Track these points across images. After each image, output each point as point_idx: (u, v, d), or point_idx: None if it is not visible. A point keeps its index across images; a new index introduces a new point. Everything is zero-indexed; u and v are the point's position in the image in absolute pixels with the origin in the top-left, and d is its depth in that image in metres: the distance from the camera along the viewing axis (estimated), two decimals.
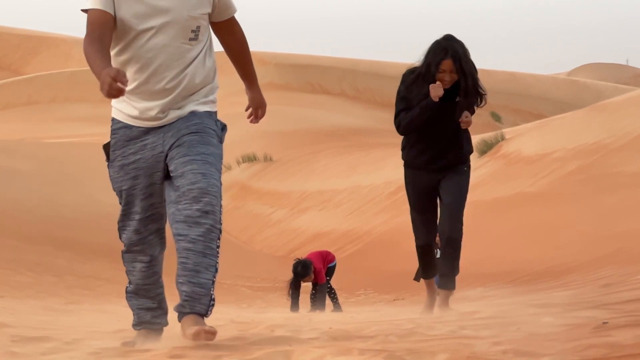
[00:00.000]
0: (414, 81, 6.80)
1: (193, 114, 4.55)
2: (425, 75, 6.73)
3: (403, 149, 7.12)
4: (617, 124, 20.33)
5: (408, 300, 12.23)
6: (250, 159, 33.66)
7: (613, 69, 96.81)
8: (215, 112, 4.68)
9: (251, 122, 4.96)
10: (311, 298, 11.03)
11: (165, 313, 4.83)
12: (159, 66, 4.46)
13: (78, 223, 20.91)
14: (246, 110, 4.98)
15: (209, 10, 4.57)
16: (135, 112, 4.53)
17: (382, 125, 42.58)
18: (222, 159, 4.58)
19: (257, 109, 4.94)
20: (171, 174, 4.50)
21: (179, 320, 4.42)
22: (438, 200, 7.08)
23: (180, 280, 4.40)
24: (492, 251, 15.11)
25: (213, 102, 4.65)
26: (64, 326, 5.97)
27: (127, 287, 4.78)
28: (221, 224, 4.44)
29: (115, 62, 4.50)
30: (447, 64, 6.70)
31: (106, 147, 4.66)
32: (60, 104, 57.74)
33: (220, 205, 4.44)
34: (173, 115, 4.54)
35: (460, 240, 6.95)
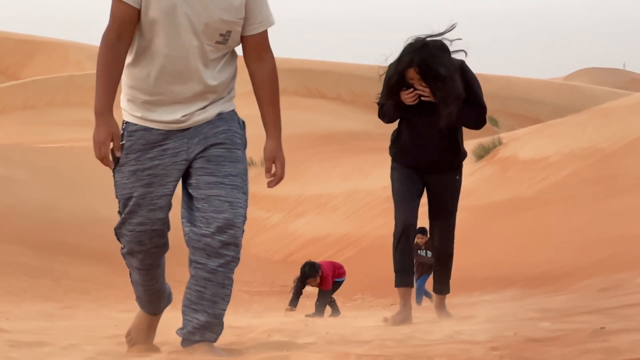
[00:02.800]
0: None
1: (220, 117, 4.29)
2: (396, 79, 6.38)
3: (391, 147, 6.71)
4: (613, 128, 20.35)
5: None
6: (248, 163, 33.55)
7: (610, 73, 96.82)
8: (234, 109, 4.41)
9: (268, 185, 4.39)
10: (315, 305, 11.04)
11: (165, 294, 4.64)
12: (182, 66, 4.18)
13: (74, 228, 20.88)
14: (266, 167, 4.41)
15: (243, 14, 4.23)
16: (155, 116, 4.24)
17: (378, 130, 42.56)
18: (247, 172, 4.34)
19: (270, 160, 4.36)
20: (190, 187, 4.26)
21: (184, 345, 4.28)
22: (427, 203, 6.67)
23: (194, 307, 4.24)
24: (489, 255, 15.10)
25: (233, 96, 4.38)
26: (60, 331, 5.96)
27: (129, 271, 4.56)
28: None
29: (135, 56, 4.22)
30: (412, 72, 6.29)
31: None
32: (56, 108, 57.67)
33: (243, 231, 4.24)
34: (198, 117, 4.25)
35: (453, 253, 6.70)
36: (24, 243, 16.88)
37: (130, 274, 4.56)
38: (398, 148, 6.65)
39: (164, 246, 4.41)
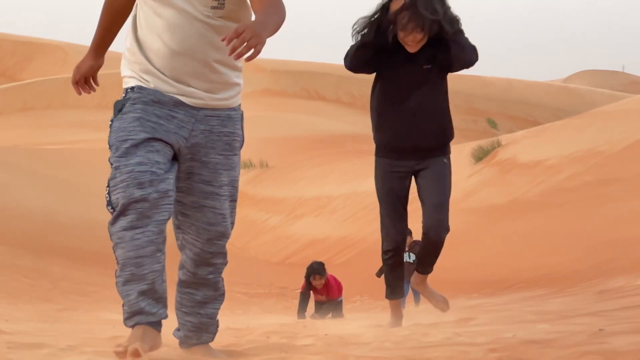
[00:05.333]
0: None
1: (229, 116, 4.14)
2: (379, 17, 5.85)
3: (374, 132, 6.19)
4: (612, 131, 20.38)
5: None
6: (247, 165, 33.64)
7: (609, 75, 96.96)
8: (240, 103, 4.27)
9: (231, 53, 3.54)
10: (313, 315, 11.03)
11: (164, 301, 3.99)
12: (180, 35, 3.98)
13: (73, 230, 20.90)
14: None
15: None
16: (165, 86, 4.04)
17: None
18: (239, 174, 4.27)
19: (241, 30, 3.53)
20: (181, 186, 4.12)
21: (182, 347, 4.33)
22: (419, 199, 6.22)
23: (185, 310, 4.27)
24: (488, 258, 15.11)
25: (241, 89, 4.21)
26: (59, 332, 5.95)
27: (116, 271, 3.94)
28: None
29: (139, 25, 4.10)
30: (398, 3, 5.77)
31: (120, 102, 4.06)
32: (55, 110, 57.71)
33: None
34: (210, 100, 4.08)
35: (443, 242, 6.27)
36: (22, 245, 16.89)
37: (116, 271, 3.93)
38: (380, 134, 6.13)
39: (167, 195, 3.89)
